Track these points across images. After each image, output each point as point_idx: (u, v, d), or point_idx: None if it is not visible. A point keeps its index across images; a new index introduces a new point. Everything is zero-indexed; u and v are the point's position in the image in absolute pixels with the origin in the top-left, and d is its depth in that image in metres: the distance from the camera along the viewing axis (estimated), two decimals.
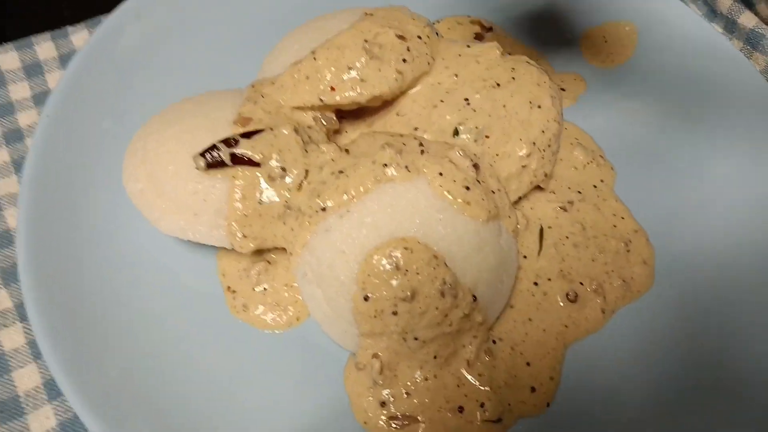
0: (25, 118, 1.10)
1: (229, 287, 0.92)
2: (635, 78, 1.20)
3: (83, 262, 0.90)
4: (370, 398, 0.81)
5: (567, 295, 0.91)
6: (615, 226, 1.00)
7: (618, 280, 0.93)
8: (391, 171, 0.82)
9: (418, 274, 0.78)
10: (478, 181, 0.85)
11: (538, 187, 0.99)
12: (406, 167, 0.83)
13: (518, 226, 0.95)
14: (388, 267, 0.78)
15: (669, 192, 1.06)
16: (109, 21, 1.10)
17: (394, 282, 0.77)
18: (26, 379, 0.88)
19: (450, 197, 0.82)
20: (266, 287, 0.91)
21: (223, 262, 0.93)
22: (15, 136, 1.08)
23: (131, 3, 1.11)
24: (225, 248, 0.90)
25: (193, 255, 0.94)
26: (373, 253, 0.79)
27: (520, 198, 0.96)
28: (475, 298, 0.81)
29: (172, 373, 0.84)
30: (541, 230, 0.97)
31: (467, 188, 0.83)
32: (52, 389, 0.87)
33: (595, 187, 1.05)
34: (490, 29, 1.25)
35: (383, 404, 0.81)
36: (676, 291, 0.95)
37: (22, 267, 0.84)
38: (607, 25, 1.26)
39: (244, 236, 0.85)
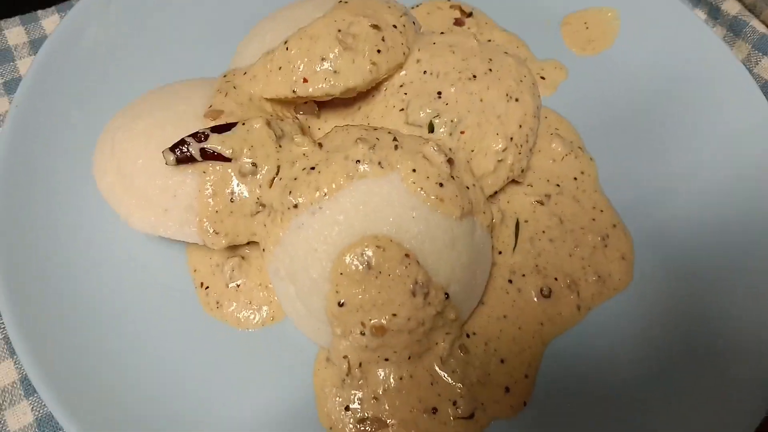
0: None
1: (202, 283, 0.90)
2: (617, 66, 1.18)
3: (53, 258, 0.89)
4: (338, 398, 0.81)
5: (541, 290, 0.90)
6: (594, 219, 1.00)
7: (593, 276, 0.93)
8: (363, 167, 0.81)
9: (389, 274, 0.78)
10: (453, 176, 0.84)
11: (515, 181, 0.98)
12: (379, 163, 0.81)
13: (494, 221, 0.94)
14: (359, 266, 0.77)
15: (652, 183, 1.04)
16: (79, 5, 1.06)
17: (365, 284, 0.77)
18: (2, 375, 0.87)
19: (423, 194, 0.80)
20: (239, 283, 0.90)
21: (194, 258, 0.92)
22: None
23: None
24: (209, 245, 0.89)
25: (165, 250, 0.93)
26: (345, 252, 0.78)
27: (495, 192, 0.95)
28: (447, 295, 0.81)
29: (144, 370, 0.84)
30: (517, 224, 0.96)
31: (440, 185, 0.82)
32: (28, 385, 0.87)
33: (575, 179, 1.04)
34: (470, 15, 1.22)
35: (347, 408, 0.81)
36: (656, 287, 0.93)
37: None
38: (589, 11, 1.24)
39: (216, 233, 0.84)
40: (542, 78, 1.16)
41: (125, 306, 0.88)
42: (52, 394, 0.77)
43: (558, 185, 1.02)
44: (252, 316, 0.88)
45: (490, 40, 1.20)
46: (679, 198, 1.02)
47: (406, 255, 0.78)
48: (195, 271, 0.91)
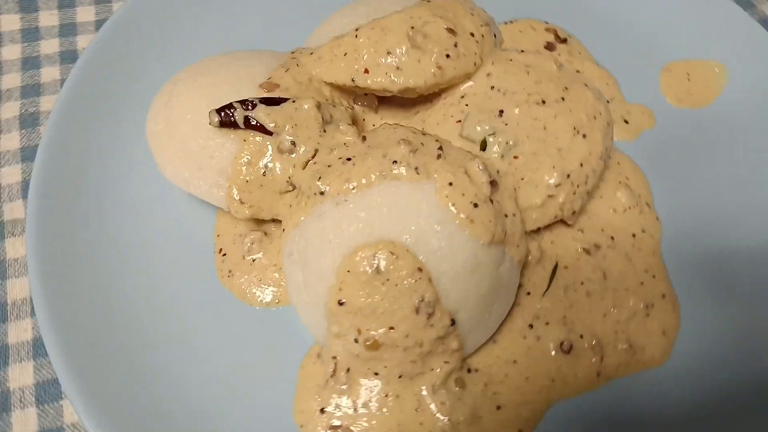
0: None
1: (221, 249, 0.90)
2: (713, 126, 1.07)
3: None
4: (317, 398, 0.78)
5: (561, 344, 0.83)
6: (642, 283, 0.90)
7: (624, 344, 0.84)
8: (399, 169, 0.77)
9: (396, 284, 0.73)
10: (491, 200, 0.79)
11: (564, 222, 0.90)
12: (416, 168, 0.77)
13: (529, 258, 0.87)
14: (368, 269, 0.74)
15: (719, 260, 0.94)
16: None
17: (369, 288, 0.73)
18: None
19: (454, 210, 0.76)
20: (255, 258, 0.89)
21: (221, 223, 0.92)
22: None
23: None
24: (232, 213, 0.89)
25: (198, 210, 0.93)
26: (358, 250, 0.75)
27: (539, 228, 0.88)
28: (453, 322, 0.75)
29: (141, 310, 0.85)
30: (555, 268, 0.89)
31: (475, 205, 0.76)
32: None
33: (633, 235, 0.95)
34: (564, 41, 1.15)
35: (323, 411, 0.77)
36: (696, 374, 0.84)
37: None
38: (696, 62, 1.14)
39: (241, 202, 0.83)
40: (626, 121, 1.07)
41: (141, 250, 0.89)
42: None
43: (612, 238, 0.93)
44: (258, 294, 0.87)
45: (578, 71, 1.12)
46: (744, 284, 0.90)
47: (419, 269, 0.74)
48: (218, 236, 0.91)
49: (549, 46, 1.15)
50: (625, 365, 0.83)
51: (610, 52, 1.15)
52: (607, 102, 1.08)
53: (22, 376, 0.84)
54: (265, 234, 0.90)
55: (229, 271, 0.88)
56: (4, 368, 0.84)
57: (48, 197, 0.88)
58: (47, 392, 0.83)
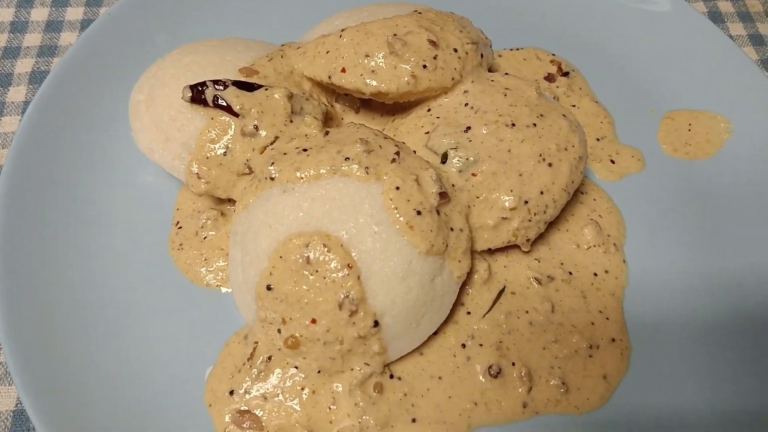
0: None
1: (177, 222, 0.93)
2: (707, 183, 1.03)
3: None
4: (230, 377, 0.78)
5: (490, 367, 0.80)
6: (593, 323, 0.87)
7: (557, 380, 0.81)
8: (350, 166, 0.78)
9: (324, 276, 0.73)
10: (438, 211, 0.78)
11: (521, 249, 0.89)
12: (367, 168, 0.77)
13: (476, 276, 0.86)
14: (299, 257, 0.74)
15: (680, 320, 0.90)
16: None
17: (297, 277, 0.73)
18: None
19: (396, 214, 0.75)
20: (207, 236, 0.90)
21: (183, 197, 0.94)
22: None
23: None
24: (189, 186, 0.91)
25: (161, 183, 0.96)
26: (293, 237, 0.75)
27: (492, 250, 0.87)
28: (376, 324, 0.75)
29: (86, 278, 0.87)
30: (501, 292, 0.87)
31: (418, 212, 0.76)
32: None
33: (594, 275, 0.92)
34: (566, 74, 1.14)
35: (232, 393, 0.77)
36: (630, 426, 0.80)
37: None
38: (701, 113, 1.10)
39: (199, 176, 0.85)
40: (612, 161, 1.05)
41: (103, 213, 0.92)
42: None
43: (570, 273, 0.91)
44: (202, 272, 0.88)
45: (574, 106, 1.11)
46: (708, 354, 0.86)
47: (349, 265, 0.74)
48: (178, 209, 0.94)
49: (549, 78, 1.14)
50: (555, 402, 0.80)
51: (614, 93, 1.13)
52: (597, 140, 1.07)
53: None
54: (222, 214, 0.92)
55: (180, 245, 0.90)
56: None
57: (25, 153, 0.91)
58: None
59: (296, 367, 0.78)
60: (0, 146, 1.02)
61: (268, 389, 0.77)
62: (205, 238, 0.90)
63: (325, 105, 0.92)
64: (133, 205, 0.95)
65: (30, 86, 1.10)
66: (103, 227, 0.91)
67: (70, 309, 0.83)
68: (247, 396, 0.77)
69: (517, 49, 1.18)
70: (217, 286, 0.88)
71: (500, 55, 1.16)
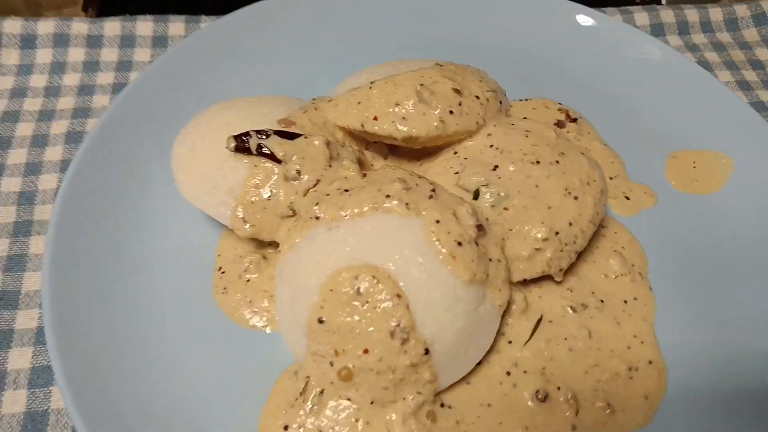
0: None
1: (220, 268, 0.95)
2: (712, 215, 1.09)
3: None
4: (283, 412, 0.79)
5: (537, 392, 0.82)
6: (629, 347, 0.90)
7: (602, 402, 0.83)
8: (391, 203, 0.82)
9: (375, 306, 0.76)
10: (477, 242, 0.82)
11: (554, 279, 0.92)
12: (407, 204, 0.82)
13: (513, 307, 0.89)
14: (349, 289, 0.77)
15: (709, 343, 0.93)
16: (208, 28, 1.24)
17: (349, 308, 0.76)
18: None
19: (438, 245, 0.79)
20: (251, 278, 0.93)
21: (224, 244, 0.97)
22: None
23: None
24: (229, 231, 0.94)
25: (202, 230, 1.00)
26: (342, 271, 0.79)
27: (527, 280, 0.91)
28: (427, 351, 0.77)
29: (137, 328, 0.88)
30: (539, 321, 0.90)
31: (459, 243, 0.80)
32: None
33: (624, 302, 0.95)
34: (574, 120, 1.22)
35: (286, 428, 0.78)
36: None
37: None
38: (703, 153, 1.18)
39: (244, 220, 0.89)
40: (627, 198, 1.11)
41: (147, 261, 0.95)
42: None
43: (602, 301, 0.94)
44: (247, 315, 0.90)
45: (586, 148, 1.18)
46: (733, 365, 0.89)
47: (398, 295, 0.77)
48: (219, 255, 0.97)
49: (559, 124, 1.21)
50: (602, 423, 0.81)
51: (620, 136, 1.21)
52: (610, 178, 1.14)
53: (20, 359, 0.89)
54: (264, 257, 0.95)
55: (224, 288, 0.93)
56: (6, 350, 0.89)
57: (71, 205, 0.95)
58: (40, 377, 0.88)
59: (349, 399, 0.79)
60: (41, 203, 1.06)
61: (322, 422, 0.78)
62: (248, 281, 0.93)
63: (361, 153, 0.98)
64: (173, 254, 0.97)
65: (66, 146, 1.15)
66: (149, 277, 0.94)
67: (121, 359, 0.84)
68: (302, 430, 0.77)
69: (526, 100, 1.27)
70: (263, 327, 0.90)
71: (511, 106, 1.24)
